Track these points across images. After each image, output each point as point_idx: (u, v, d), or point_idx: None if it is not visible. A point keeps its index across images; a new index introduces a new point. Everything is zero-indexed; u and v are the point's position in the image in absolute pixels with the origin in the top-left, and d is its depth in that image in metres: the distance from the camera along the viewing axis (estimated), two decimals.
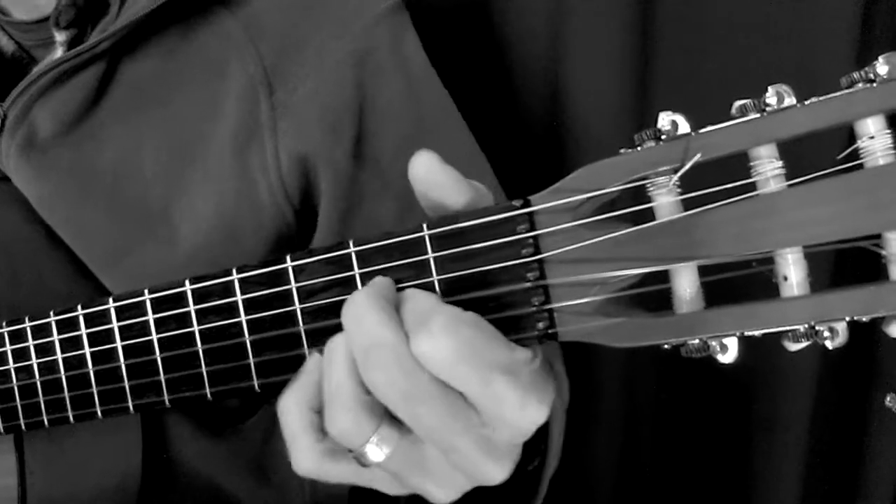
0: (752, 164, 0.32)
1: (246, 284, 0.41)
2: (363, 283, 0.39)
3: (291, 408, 0.38)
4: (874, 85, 0.30)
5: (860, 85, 0.30)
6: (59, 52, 0.59)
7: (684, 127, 0.33)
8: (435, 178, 0.37)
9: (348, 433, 0.36)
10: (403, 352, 0.34)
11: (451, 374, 0.34)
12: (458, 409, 0.34)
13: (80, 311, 0.46)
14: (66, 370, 0.47)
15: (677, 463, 0.99)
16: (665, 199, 0.33)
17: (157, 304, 0.44)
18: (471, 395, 0.34)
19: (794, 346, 0.32)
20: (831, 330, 0.31)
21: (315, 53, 0.58)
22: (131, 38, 0.57)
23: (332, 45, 0.58)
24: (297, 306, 0.40)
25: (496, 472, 0.37)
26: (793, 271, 0.32)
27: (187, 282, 0.43)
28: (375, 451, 0.36)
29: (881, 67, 0.30)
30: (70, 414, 0.48)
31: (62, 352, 0.47)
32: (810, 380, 0.91)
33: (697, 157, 0.32)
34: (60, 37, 0.59)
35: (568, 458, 0.97)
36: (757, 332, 0.33)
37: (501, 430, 0.36)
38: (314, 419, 0.38)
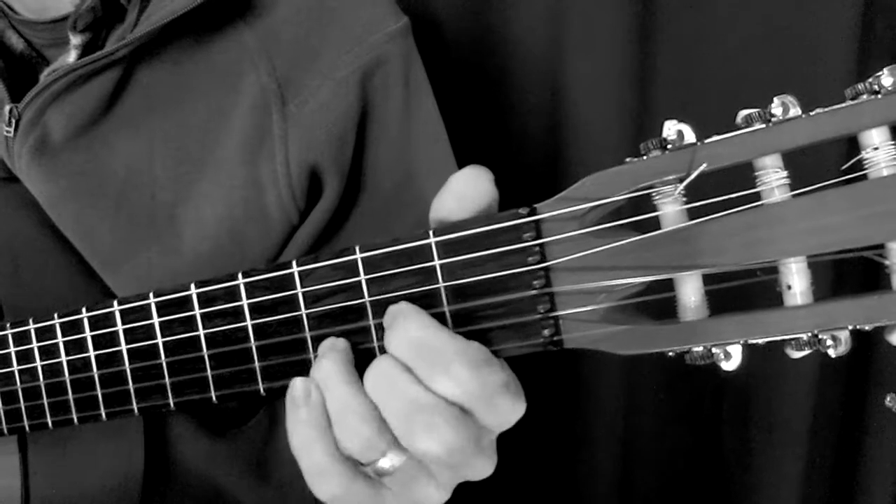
0: (756, 173, 0.32)
1: (252, 289, 0.41)
2: (369, 289, 0.39)
3: (312, 436, 0.38)
4: (879, 97, 0.30)
5: (865, 96, 0.30)
6: (72, 55, 0.59)
7: (690, 136, 0.33)
8: (456, 216, 0.38)
9: (360, 452, 0.38)
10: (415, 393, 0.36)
11: (467, 407, 0.36)
12: (461, 426, 0.36)
13: (84, 314, 0.46)
14: (70, 373, 0.47)
15: (677, 463, 0.99)
16: (671, 208, 0.34)
17: (163, 308, 0.44)
18: (478, 417, 0.37)
19: (797, 354, 0.33)
20: (834, 338, 0.32)
21: (326, 66, 0.59)
22: (147, 45, 0.57)
23: (343, 58, 0.59)
24: (304, 311, 0.40)
25: (489, 468, 0.39)
26: (796, 280, 0.32)
27: (193, 285, 0.43)
28: (387, 462, 0.38)
29: (886, 79, 0.30)
30: (74, 416, 0.48)
31: (66, 354, 0.47)
32: (810, 380, 0.92)
33: (704, 168, 0.32)
34: (76, 40, 0.59)
35: (568, 457, 0.97)
36: (761, 341, 0.33)
37: (494, 431, 0.38)
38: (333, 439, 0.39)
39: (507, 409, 0.37)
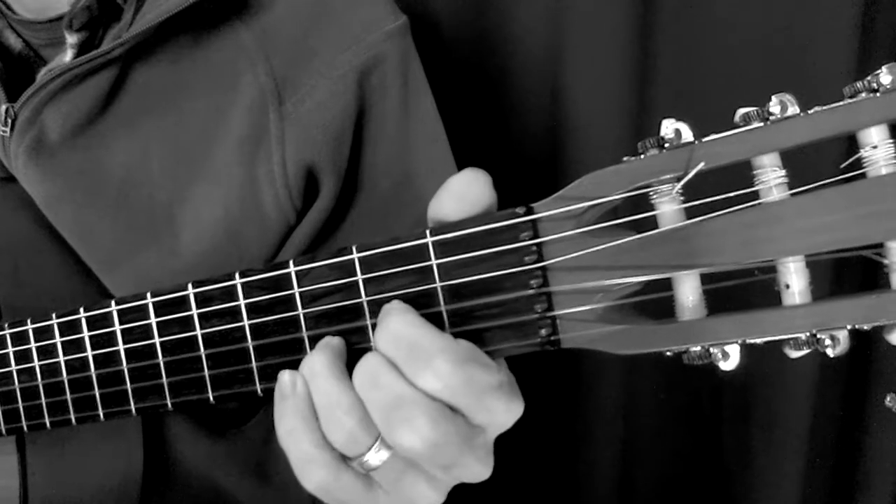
0: (755, 172, 0.32)
1: (249, 288, 0.41)
2: (366, 289, 0.39)
3: (298, 427, 0.38)
4: (877, 95, 0.30)
5: (863, 94, 0.30)
6: (69, 54, 0.59)
7: (688, 135, 0.33)
8: (453, 218, 0.38)
9: (345, 445, 0.38)
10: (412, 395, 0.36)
11: (452, 403, 0.36)
12: (444, 422, 0.36)
13: (82, 314, 0.46)
14: (68, 373, 0.47)
15: (677, 463, 0.99)
16: (668, 208, 0.33)
17: (160, 308, 0.44)
18: (468, 415, 0.36)
19: (795, 354, 0.33)
20: (833, 338, 0.32)
21: (323, 65, 0.59)
22: (144, 44, 0.57)
23: (340, 57, 0.59)
24: (300, 311, 0.40)
25: (484, 470, 0.38)
26: (795, 280, 0.32)
27: (190, 285, 0.43)
28: (374, 457, 0.38)
29: (885, 77, 0.30)
30: (72, 416, 0.48)
31: (64, 354, 0.47)
32: (810, 380, 0.92)
33: (701, 166, 0.32)
34: (72, 39, 0.59)
35: (568, 457, 0.97)
36: (759, 340, 0.33)
37: (489, 432, 0.38)
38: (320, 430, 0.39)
39: (500, 409, 0.36)
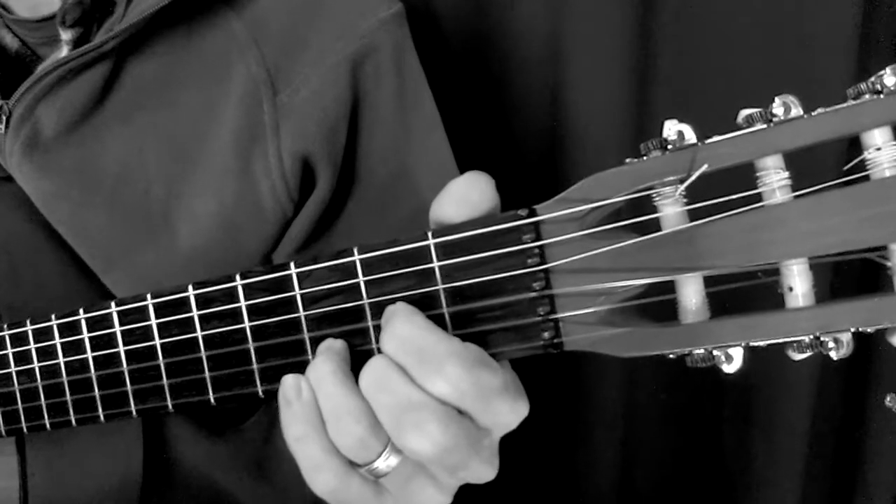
0: (758, 174, 0.32)
1: (250, 290, 0.41)
2: (367, 291, 0.39)
3: (306, 433, 0.38)
4: (881, 96, 0.30)
5: (867, 96, 0.30)
6: (64, 51, 0.59)
7: (690, 137, 0.33)
8: (455, 221, 0.38)
9: (355, 450, 0.38)
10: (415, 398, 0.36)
11: (461, 406, 0.36)
12: (454, 426, 0.36)
13: (81, 315, 0.46)
14: (67, 374, 0.47)
15: (677, 463, 0.99)
16: (671, 210, 0.33)
17: (160, 309, 0.43)
18: (475, 418, 0.36)
19: (798, 357, 0.32)
20: (836, 341, 0.31)
21: (317, 54, 0.58)
22: (137, 37, 0.57)
23: (334, 46, 0.58)
24: (302, 313, 0.40)
25: (489, 472, 0.38)
26: (798, 282, 0.32)
27: (190, 287, 0.43)
28: (383, 463, 0.38)
29: (888, 79, 0.30)
30: (72, 417, 0.47)
31: (64, 355, 0.47)
32: (811, 381, 0.92)
33: (704, 168, 0.32)
34: (66, 35, 0.58)
35: (568, 457, 0.97)
36: (762, 343, 0.33)
37: (494, 434, 0.38)
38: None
39: (506, 411, 0.36)
